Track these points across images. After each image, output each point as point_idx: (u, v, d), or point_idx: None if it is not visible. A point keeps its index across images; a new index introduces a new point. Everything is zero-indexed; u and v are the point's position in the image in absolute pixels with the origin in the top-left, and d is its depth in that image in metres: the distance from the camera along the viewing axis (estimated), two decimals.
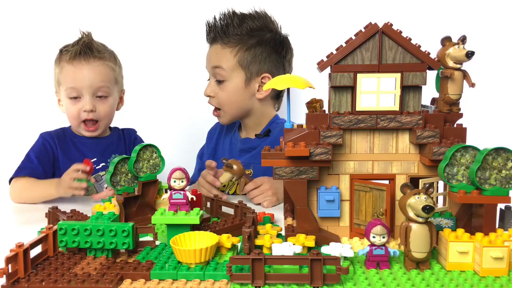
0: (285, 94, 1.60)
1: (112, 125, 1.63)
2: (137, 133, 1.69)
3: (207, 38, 1.55)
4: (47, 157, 1.49)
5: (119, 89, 1.58)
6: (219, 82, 1.51)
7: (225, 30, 1.49)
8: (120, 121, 1.66)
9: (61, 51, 1.50)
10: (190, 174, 1.63)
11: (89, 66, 1.46)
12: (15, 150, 1.75)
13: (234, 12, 1.51)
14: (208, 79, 1.56)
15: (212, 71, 1.52)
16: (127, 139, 1.64)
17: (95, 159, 1.53)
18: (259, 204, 1.27)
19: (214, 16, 1.52)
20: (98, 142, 1.56)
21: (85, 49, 1.46)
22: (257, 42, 1.49)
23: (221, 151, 1.67)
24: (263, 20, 1.53)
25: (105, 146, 1.57)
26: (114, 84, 1.53)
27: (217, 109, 1.55)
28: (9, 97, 1.92)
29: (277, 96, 1.60)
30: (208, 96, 1.54)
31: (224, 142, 1.67)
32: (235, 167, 1.30)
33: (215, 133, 1.72)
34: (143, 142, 1.63)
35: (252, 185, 1.30)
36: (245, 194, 1.32)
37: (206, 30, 1.54)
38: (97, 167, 1.53)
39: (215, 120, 1.63)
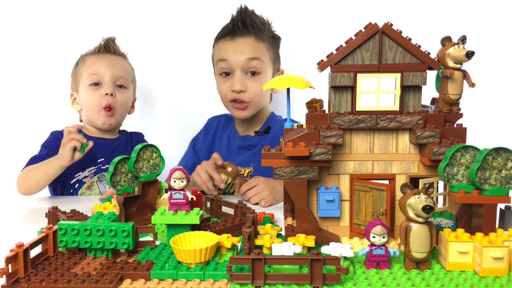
0: (284, 94, 1.61)
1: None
2: (145, 137, 1.70)
3: (231, 30, 1.51)
4: (56, 153, 1.49)
5: (133, 91, 1.63)
6: (253, 74, 1.49)
7: (259, 25, 1.52)
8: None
9: (82, 56, 1.58)
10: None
11: (112, 58, 1.56)
12: (21, 151, 1.75)
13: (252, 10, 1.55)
14: (227, 74, 1.51)
15: (244, 63, 1.48)
16: (134, 142, 1.65)
17: (103, 159, 1.53)
18: (257, 204, 1.27)
19: (241, 7, 1.53)
20: (107, 143, 1.57)
21: (109, 45, 1.58)
22: (274, 39, 1.56)
23: (218, 147, 1.65)
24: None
25: (113, 148, 1.58)
26: (131, 82, 1.60)
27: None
28: (17, 99, 1.92)
29: None
30: (240, 91, 1.49)
31: (221, 138, 1.66)
32: (229, 168, 1.30)
33: (211, 128, 1.71)
34: None
35: (246, 186, 1.30)
36: (242, 195, 1.32)
37: (233, 23, 1.51)
38: (102, 167, 1.53)
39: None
